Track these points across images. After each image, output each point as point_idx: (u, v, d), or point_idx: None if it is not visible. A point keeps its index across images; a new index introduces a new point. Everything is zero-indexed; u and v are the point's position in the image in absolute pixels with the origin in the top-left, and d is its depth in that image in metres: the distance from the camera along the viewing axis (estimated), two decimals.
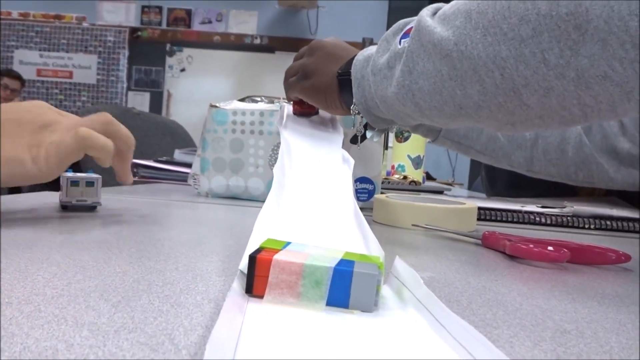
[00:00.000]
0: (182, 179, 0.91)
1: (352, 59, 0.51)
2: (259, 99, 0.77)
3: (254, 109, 0.70)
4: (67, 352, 0.15)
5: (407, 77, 0.41)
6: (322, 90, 0.53)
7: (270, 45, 4.16)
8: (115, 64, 4.23)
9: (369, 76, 0.47)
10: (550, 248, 0.34)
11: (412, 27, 0.43)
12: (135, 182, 0.93)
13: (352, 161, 0.45)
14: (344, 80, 0.51)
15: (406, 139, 1.15)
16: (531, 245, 0.35)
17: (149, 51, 4.22)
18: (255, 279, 0.21)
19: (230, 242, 0.36)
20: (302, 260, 0.21)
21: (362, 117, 0.51)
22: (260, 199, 0.69)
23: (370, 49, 0.51)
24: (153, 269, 0.26)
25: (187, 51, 4.22)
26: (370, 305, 0.20)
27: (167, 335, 0.17)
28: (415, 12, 0.47)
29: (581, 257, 0.35)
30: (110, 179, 1.11)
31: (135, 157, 1.01)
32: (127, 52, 4.24)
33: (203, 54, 4.20)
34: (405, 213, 0.50)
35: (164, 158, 0.98)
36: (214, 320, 0.19)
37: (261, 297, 0.20)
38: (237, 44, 4.18)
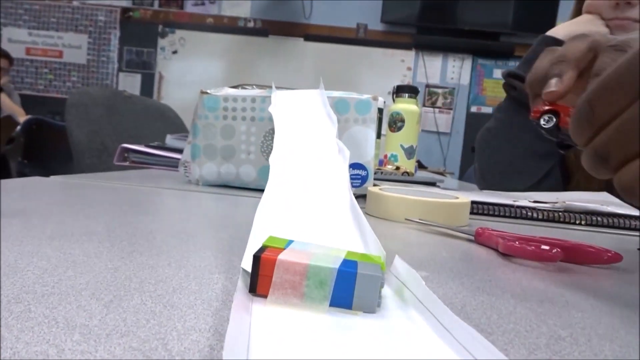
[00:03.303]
0: (173, 164, 0.91)
1: None
2: (250, 87, 0.76)
3: (245, 95, 0.69)
4: (58, 358, 0.15)
5: None
6: None
7: (264, 28, 4.12)
8: (106, 44, 4.17)
9: None
10: (544, 247, 0.34)
11: None
12: (125, 167, 0.92)
13: (347, 152, 0.44)
14: None
15: (399, 128, 1.15)
16: (524, 244, 0.35)
17: (140, 32, 4.16)
18: (259, 278, 0.21)
19: (223, 234, 0.35)
20: (306, 261, 0.21)
21: None
22: (251, 186, 0.68)
23: None
24: (145, 264, 0.26)
25: (179, 33, 4.17)
26: (374, 306, 0.20)
27: (160, 340, 0.17)
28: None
29: (574, 257, 0.36)
30: (101, 163, 1.10)
31: (126, 142, 1.00)
32: (118, 33, 4.17)
33: (196, 36, 4.15)
34: (399, 207, 0.50)
35: (156, 143, 0.97)
36: (207, 323, 0.18)
37: (264, 296, 0.20)
38: (230, 26, 4.14)
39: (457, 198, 0.53)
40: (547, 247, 0.34)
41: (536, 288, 0.28)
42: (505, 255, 0.37)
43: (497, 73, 3.93)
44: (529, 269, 0.33)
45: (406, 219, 0.48)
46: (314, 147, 0.44)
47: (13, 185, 0.53)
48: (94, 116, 1.09)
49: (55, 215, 0.38)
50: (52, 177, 0.63)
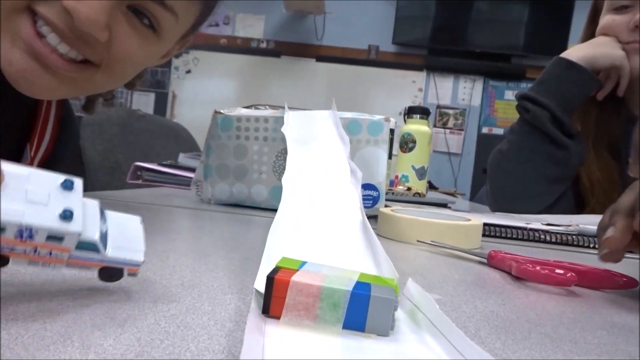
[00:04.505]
0: (185, 183, 0.91)
1: None
2: (263, 107, 0.77)
3: (258, 115, 0.70)
4: None
5: None
6: None
7: (277, 49, 4.17)
8: None
9: None
10: (558, 271, 0.34)
11: None
12: (138, 186, 0.93)
13: (359, 174, 0.45)
14: None
15: (410, 149, 1.15)
16: (538, 268, 0.34)
17: None
18: (273, 300, 0.21)
19: (235, 254, 0.35)
20: (320, 283, 0.21)
21: None
22: (263, 206, 0.68)
23: None
24: (159, 284, 0.26)
25: (193, 53, 4.23)
26: (387, 329, 0.20)
27: None
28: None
29: (589, 281, 0.35)
30: (114, 180, 1.11)
31: (139, 160, 1.01)
32: None
33: (209, 56, 4.20)
34: (411, 228, 0.50)
35: (168, 162, 0.98)
36: (221, 345, 0.18)
37: (277, 318, 0.20)
38: (243, 47, 4.19)
39: (469, 220, 0.52)
40: (561, 271, 0.34)
41: (551, 313, 0.28)
42: (519, 278, 0.36)
43: (509, 94, 3.93)
44: (543, 293, 0.33)
45: (418, 241, 0.48)
46: (326, 168, 0.44)
47: None
48: (108, 135, 1.11)
49: None
50: None
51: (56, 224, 0.21)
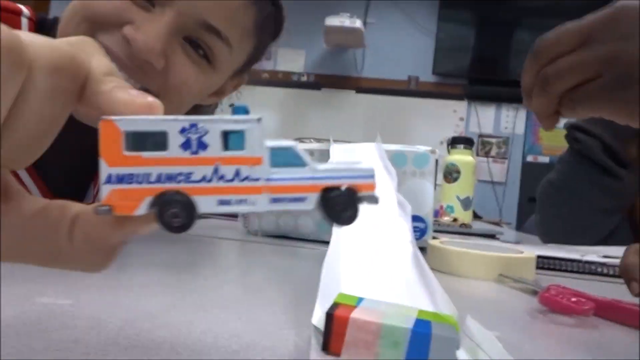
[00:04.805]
0: (232, 214, 0.93)
1: None
2: (308, 140, 0.78)
3: (303, 148, 0.71)
4: None
5: None
6: None
7: (317, 82, 4.24)
8: None
9: None
10: (630, 306, 0.32)
11: None
12: None
13: (409, 207, 0.45)
14: None
15: (455, 179, 1.14)
16: (608, 306, 0.33)
17: None
18: (332, 336, 0.21)
19: (287, 288, 0.36)
20: (379, 320, 0.21)
21: None
22: (309, 238, 0.69)
23: None
24: (217, 318, 0.26)
25: None
26: None
27: None
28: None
29: None
30: None
31: None
32: None
33: (251, 90, 4.30)
34: (461, 261, 0.49)
35: None
36: None
37: (337, 354, 0.20)
38: (284, 80, 4.29)
39: (522, 252, 0.51)
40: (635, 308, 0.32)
41: (613, 350, 0.26)
42: (581, 314, 0.35)
43: None
44: (609, 330, 0.31)
45: (471, 275, 0.47)
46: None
47: None
48: None
49: (128, 265, 0.39)
50: None
51: (224, 119, 0.17)
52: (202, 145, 0.18)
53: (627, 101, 0.35)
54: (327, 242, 0.63)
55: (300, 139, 0.78)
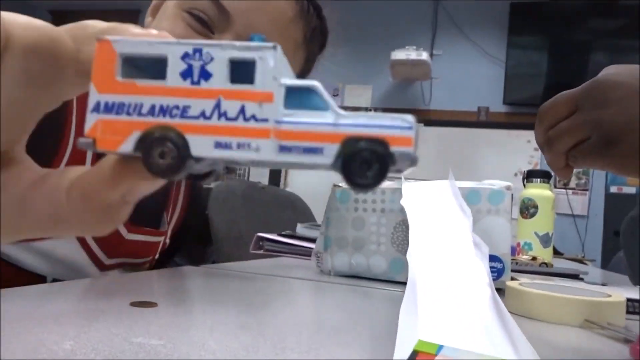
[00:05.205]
0: (304, 253, 0.94)
1: None
2: None
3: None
4: None
5: None
6: None
7: None
8: None
9: None
10: None
11: None
12: (260, 256, 0.98)
13: (485, 248, 0.44)
14: None
15: (532, 215, 1.09)
16: None
17: None
18: None
19: (363, 331, 0.36)
20: None
21: None
22: (382, 278, 0.68)
23: None
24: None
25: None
26: None
27: None
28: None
29: None
30: (238, 250, 1.18)
31: (259, 230, 1.07)
32: None
33: None
34: (543, 305, 0.47)
35: (287, 232, 1.03)
36: None
37: None
38: None
39: (609, 296, 0.48)
40: None
41: None
42: None
43: None
44: None
45: (555, 320, 0.45)
46: (450, 243, 0.44)
47: (170, 274, 0.59)
48: (233, 207, 1.19)
49: (210, 305, 0.41)
50: (202, 267, 0.69)
51: (234, 45, 0.15)
52: (205, 75, 0.15)
53: (614, 156, 0.41)
54: (399, 283, 0.63)
55: None
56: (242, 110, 0.15)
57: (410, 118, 0.16)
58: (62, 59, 0.17)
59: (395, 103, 4.24)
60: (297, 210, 1.57)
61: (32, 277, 0.58)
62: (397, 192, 0.69)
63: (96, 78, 0.16)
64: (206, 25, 0.53)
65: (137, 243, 0.68)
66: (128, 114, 0.16)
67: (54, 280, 0.61)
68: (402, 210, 0.65)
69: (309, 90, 0.15)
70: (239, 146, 0.15)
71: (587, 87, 0.43)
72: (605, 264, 3.04)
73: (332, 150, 0.15)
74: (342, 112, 0.16)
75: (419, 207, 0.54)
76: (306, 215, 1.59)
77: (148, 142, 0.16)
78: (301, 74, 0.65)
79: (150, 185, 0.18)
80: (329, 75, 0.67)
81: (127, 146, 0.16)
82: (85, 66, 0.18)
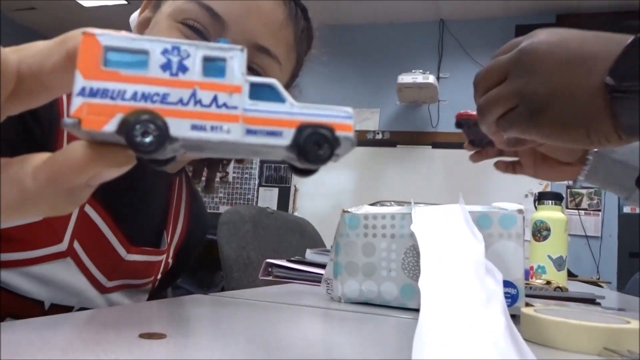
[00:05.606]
0: (314, 279, 0.93)
1: (629, 54, 0.34)
2: (388, 203, 0.78)
3: (385, 212, 0.71)
4: None
5: None
6: (580, 123, 0.38)
7: (392, 139, 4.27)
8: (250, 163, 4.61)
9: None
10: None
11: None
12: (269, 282, 0.97)
13: (499, 275, 0.43)
14: (627, 99, 0.34)
15: (545, 237, 1.08)
16: None
17: None
18: None
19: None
20: None
21: None
22: (393, 304, 0.67)
23: None
24: None
25: (317, 172, 4.48)
26: None
27: None
28: None
29: None
30: (247, 276, 1.17)
31: (269, 255, 1.06)
32: None
33: None
34: (560, 332, 0.45)
35: (296, 258, 1.02)
36: None
37: None
38: (360, 139, 4.35)
39: (629, 322, 0.47)
40: None
41: None
42: None
43: None
44: None
45: (574, 349, 0.44)
46: (463, 270, 0.43)
47: (178, 303, 0.58)
48: (242, 232, 1.19)
49: (219, 336, 0.40)
50: (211, 295, 0.68)
51: (208, 45, 0.18)
52: (183, 68, 0.18)
53: (539, 126, 0.42)
54: (411, 310, 0.62)
55: (381, 202, 0.78)
56: (215, 99, 0.18)
57: (350, 110, 0.19)
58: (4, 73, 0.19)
59: (402, 126, 4.25)
60: (306, 235, 1.56)
61: (28, 303, 0.58)
62: (407, 217, 0.68)
63: (81, 66, 0.18)
64: (202, 34, 0.53)
65: (137, 263, 0.67)
66: (112, 98, 0.18)
67: (52, 305, 0.60)
68: (412, 236, 0.65)
69: (269, 86, 0.18)
70: (213, 128, 0.18)
71: (516, 55, 0.43)
72: (622, 286, 2.99)
73: (289, 133, 0.18)
74: (296, 103, 0.19)
75: (430, 232, 0.54)
76: (315, 240, 1.58)
77: (132, 122, 0.17)
78: (292, 77, 0.66)
79: (115, 172, 0.19)
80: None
81: (111, 126, 0.18)
82: (26, 80, 0.20)
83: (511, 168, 0.55)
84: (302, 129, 0.18)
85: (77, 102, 0.18)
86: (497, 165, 0.55)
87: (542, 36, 0.42)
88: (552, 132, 0.41)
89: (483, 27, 4.06)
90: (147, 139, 0.17)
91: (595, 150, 0.40)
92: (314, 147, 0.18)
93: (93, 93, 0.18)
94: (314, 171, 0.20)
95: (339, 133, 0.19)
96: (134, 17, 0.63)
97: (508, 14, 3.98)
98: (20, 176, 0.20)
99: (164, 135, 0.17)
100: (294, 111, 0.18)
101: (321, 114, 0.18)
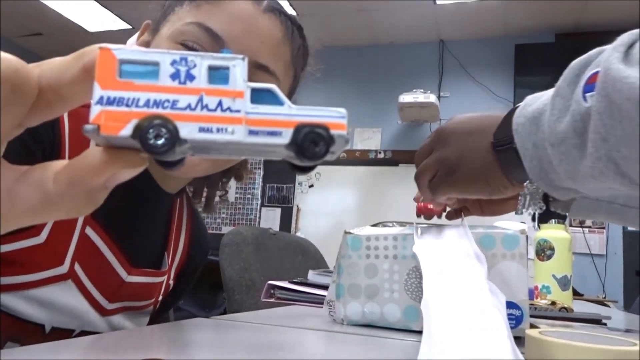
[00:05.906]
0: (316, 301, 0.93)
1: (505, 122, 0.44)
2: (390, 224, 0.78)
3: (387, 233, 0.70)
4: None
5: (602, 145, 0.33)
6: (480, 177, 0.48)
7: (394, 158, 4.28)
8: (252, 183, 4.61)
9: (544, 146, 0.39)
10: None
11: (596, 74, 0.34)
12: (272, 304, 0.96)
13: (502, 296, 0.42)
14: (506, 153, 0.44)
15: (549, 257, 1.07)
16: None
17: (281, 170, 4.56)
18: None
19: None
20: None
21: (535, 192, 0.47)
22: (396, 327, 0.67)
23: (532, 103, 0.43)
24: None
25: (316, 168, 4.49)
26: None
27: None
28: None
29: None
30: (249, 298, 1.16)
31: (271, 277, 1.05)
32: (262, 172, 4.62)
33: (330, 170, 4.43)
34: (566, 355, 0.45)
35: (299, 279, 1.01)
36: None
37: None
38: (362, 159, 4.37)
39: (636, 344, 0.46)
40: None
41: None
42: None
43: None
44: None
45: None
46: (465, 292, 0.43)
47: (180, 327, 0.58)
48: (244, 254, 1.18)
49: (222, 354, 0.40)
50: (212, 318, 0.67)
51: (213, 56, 0.20)
52: (190, 77, 0.19)
53: (454, 183, 0.52)
54: (414, 332, 0.62)
55: (383, 223, 0.78)
56: (220, 104, 0.20)
57: (343, 110, 0.21)
58: (24, 86, 0.21)
59: (404, 145, 4.26)
60: (309, 255, 1.56)
61: (29, 327, 0.57)
62: (409, 238, 0.68)
63: (99, 77, 0.20)
64: None
65: (137, 285, 0.67)
66: (127, 105, 0.19)
67: (53, 328, 0.60)
68: (414, 257, 0.64)
69: (269, 90, 0.20)
70: (218, 130, 0.19)
71: (435, 134, 0.56)
72: (629, 305, 2.95)
73: (288, 133, 0.20)
74: (293, 106, 0.20)
75: (432, 253, 0.53)
76: (317, 260, 1.57)
77: (146, 126, 0.19)
78: (290, 92, 0.67)
79: (129, 173, 0.21)
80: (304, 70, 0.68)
81: (126, 131, 0.19)
82: (45, 93, 0.22)
83: (460, 213, 0.65)
84: (299, 128, 0.20)
85: (95, 110, 0.20)
86: (448, 215, 0.65)
87: (454, 119, 0.54)
88: (464, 187, 0.51)
89: (483, 46, 4.10)
90: (160, 142, 0.19)
91: (528, 182, 0.45)
92: (311, 144, 0.20)
93: (110, 101, 0.20)
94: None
95: (333, 131, 0.20)
96: (132, 41, 0.64)
97: (507, 33, 4.02)
98: (42, 180, 0.22)
99: (174, 138, 0.19)
100: (291, 112, 0.20)
101: (317, 114, 0.20)
